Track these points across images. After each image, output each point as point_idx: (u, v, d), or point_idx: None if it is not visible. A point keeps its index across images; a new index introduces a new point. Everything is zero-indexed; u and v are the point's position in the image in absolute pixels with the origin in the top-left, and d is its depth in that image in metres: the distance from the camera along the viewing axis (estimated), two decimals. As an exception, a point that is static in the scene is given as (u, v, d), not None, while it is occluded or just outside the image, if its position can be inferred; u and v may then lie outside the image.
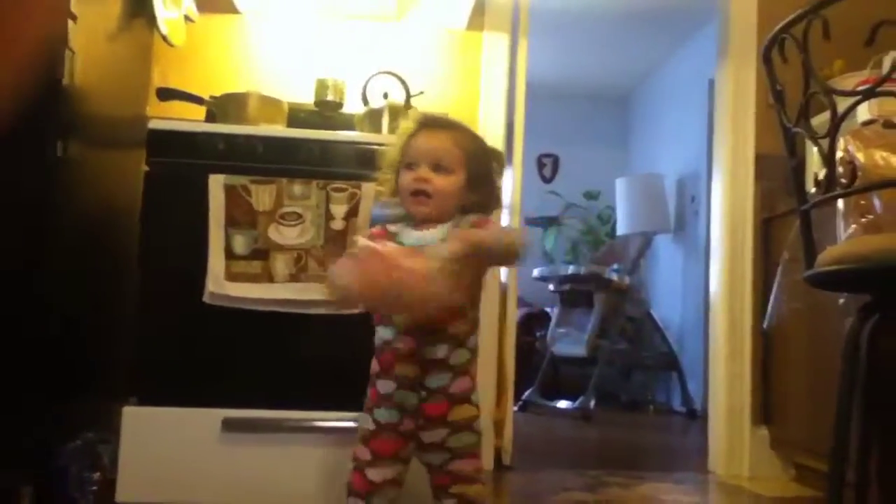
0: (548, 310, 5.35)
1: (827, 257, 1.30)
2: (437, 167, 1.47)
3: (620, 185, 5.58)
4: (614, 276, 4.79)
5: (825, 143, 1.22)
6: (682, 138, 5.49)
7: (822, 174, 1.26)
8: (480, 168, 1.53)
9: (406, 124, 1.56)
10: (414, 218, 1.50)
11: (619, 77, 6.24)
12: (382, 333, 1.46)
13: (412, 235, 1.49)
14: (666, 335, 4.98)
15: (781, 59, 1.29)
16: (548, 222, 6.24)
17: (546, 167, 6.63)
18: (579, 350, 4.69)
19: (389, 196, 1.56)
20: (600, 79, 6.25)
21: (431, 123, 1.54)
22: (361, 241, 1.40)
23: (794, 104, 1.35)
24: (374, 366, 1.47)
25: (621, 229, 5.51)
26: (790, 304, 2.44)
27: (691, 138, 5.29)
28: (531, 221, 6.03)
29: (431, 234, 1.47)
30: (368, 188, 1.99)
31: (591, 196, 6.24)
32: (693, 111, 5.20)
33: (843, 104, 1.27)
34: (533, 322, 5.41)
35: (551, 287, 5.08)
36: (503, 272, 2.76)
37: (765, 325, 2.70)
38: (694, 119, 5.19)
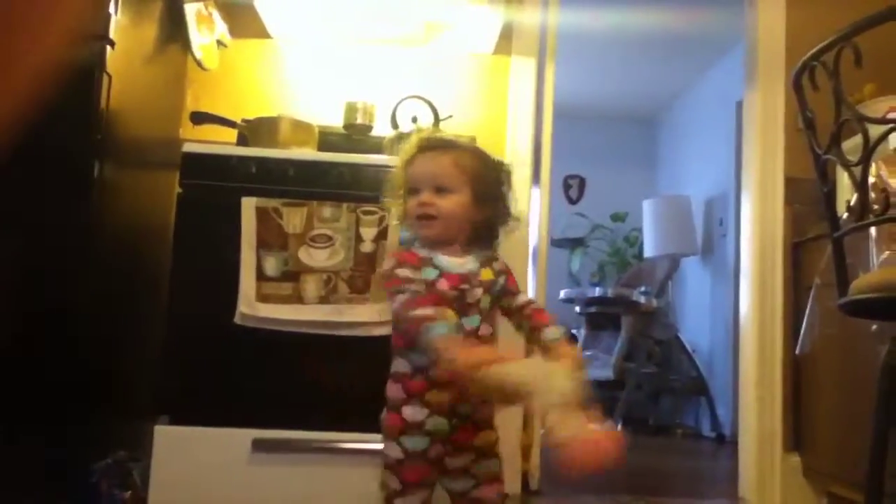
0: (574, 332, 5.33)
1: (861, 285, 1.29)
2: (440, 189, 1.46)
3: (647, 207, 5.56)
4: (642, 299, 4.76)
5: (857, 169, 1.22)
6: (710, 160, 5.47)
7: (854, 200, 1.26)
8: (486, 183, 1.53)
9: (407, 148, 1.55)
10: (426, 240, 1.49)
11: (646, 99, 6.24)
12: (416, 361, 1.41)
13: (448, 263, 1.47)
14: (694, 358, 4.93)
15: (812, 86, 1.29)
16: (574, 244, 6.23)
17: (572, 188, 6.63)
18: (606, 373, 4.66)
19: (401, 221, 1.56)
20: (627, 101, 6.25)
21: (429, 146, 1.53)
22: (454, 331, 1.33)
23: (824, 130, 1.35)
24: (397, 391, 1.42)
25: (648, 251, 5.48)
26: (823, 330, 2.41)
27: (719, 160, 5.26)
28: (557, 243, 6.02)
29: (466, 262, 1.47)
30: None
31: (617, 218, 6.22)
32: (720, 133, 5.18)
33: (875, 130, 1.26)
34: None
35: (578, 309, 5.06)
36: (530, 293, 2.76)
37: (797, 351, 2.67)
38: (721, 141, 5.17)
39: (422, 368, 1.40)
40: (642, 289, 4.89)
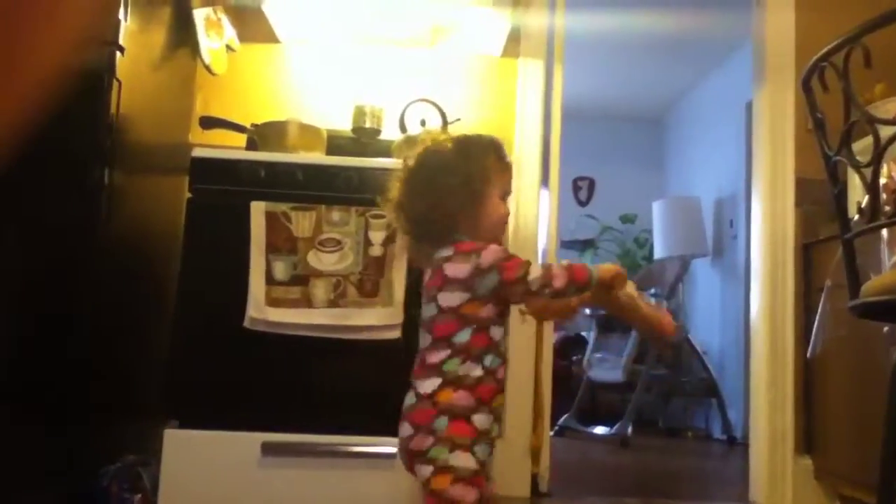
0: (584, 334, 5.31)
1: (873, 287, 1.28)
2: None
3: (657, 209, 5.54)
4: (652, 301, 4.75)
5: (868, 171, 1.21)
6: (720, 161, 5.45)
7: (865, 202, 1.25)
8: None
9: (490, 151, 1.50)
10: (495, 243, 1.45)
11: (654, 99, 6.23)
12: (488, 363, 1.36)
13: None
14: (705, 360, 4.91)
15: (822, 87, 1.28)
16: (584, 245, 6.22)
17: (582, 190, 6.62)
18: (616, 375, 4.65)
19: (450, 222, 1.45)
20: (636, 101, 6.24)
21: (506, 155, 1.55)
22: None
23: (835, 131, 1.34)
24: (465, 398, 1.34)
25: (658, 253, 5.47)
26: (834, 332, 2.39)
27: (729, 161, 5.24)
28: (567, 244, 6.01)
29: None
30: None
31: (627, 219, 6.21)
32: (730, 134, 5.17)
33: (886, 131, 1.25)
34: (569, 346, 5.37)
35: (588, 311, 5.04)
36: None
37: (808, 354, 2.65)
38: (731, 142, 5.15)
39: (492, 371, 1.36)
40: (652, 290, 4.88)
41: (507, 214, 1.51)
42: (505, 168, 1.51)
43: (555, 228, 2.90)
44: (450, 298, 1.39)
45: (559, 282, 1.37)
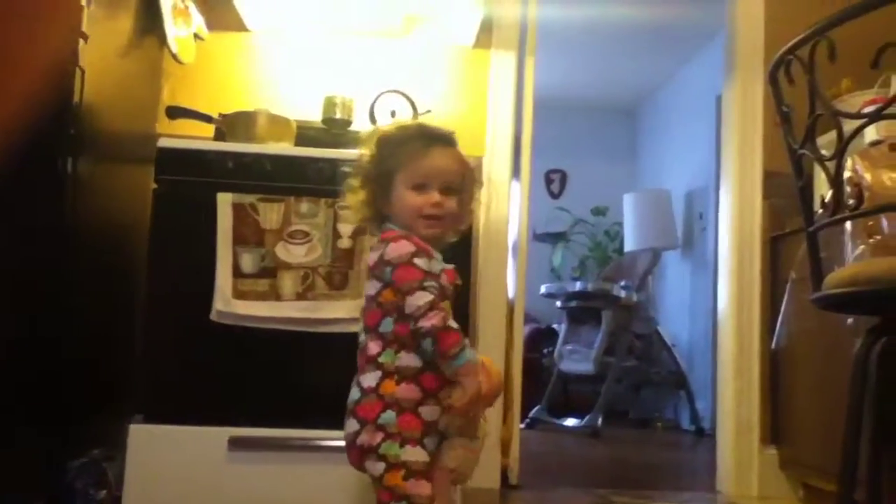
0: (555, 326, 5.34)
1: (835, 279, 1.29)
2: (447, 189, 1.42)
3: (628, 201, 5.58)
4: (622, 293, 4.78)
5: (832, 164, 1.22)
6: (691, 153, 5.50)
7: (829, 195, 1.26)
8: (472, 188, 1.52)
9: (400, 133, 1.47)
10: (423, 239, 1.41)
11: (626, 91, 6.26)
12: (427, 354, 1.32)
13: (439, 256, 1.44)
14: (674, 352, 4.96)
15: (788, 80, 1.29)
16: (556, 238, 6.24)
17: (554, 183, 6.64)
18: (587, 367, 4.68)
19: (370, 214, 1.46)
20: (607, 93, 6.27)
21: (441, 139, 1.46)
22: (476, 356, 1.35)
23: (801, 124, 1.35)
24: (410, 391, 1.32)
25: (629, 245, 5.51)
26: (800, 324, 2.42)
27: (699, 153, 5.29)
28: (539, 237, 6.03)
29: (440, 256, 1.46)
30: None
31: (598, 212, 6.24)
32: (701, 125, 5.21)
33: (850, 125, 1.27)
34: (540, 339, 5.39)
35: (559, 304, 5.07)
36: (511, 288, 2.76)
37: (773, 345, 2.69)
38: (702, 133, 5.20)
39: (432, 362, 1.33)
40: (622, 283, 4.91)
41: (424, 205, 1.40)
42: (424, 156, 1.41)
43: (526, 222, 2.90)
44: (369, 287, 1.40)
45: (427, 323, 1.28)
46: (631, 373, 4.92)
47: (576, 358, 4.80)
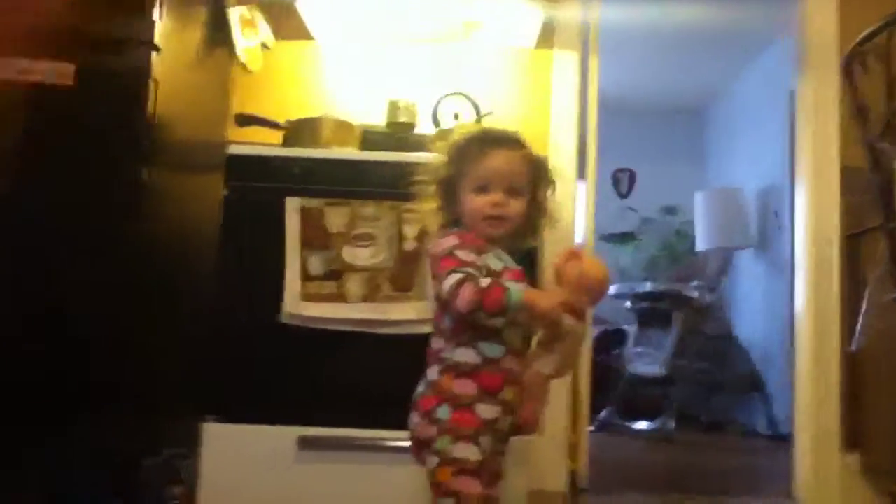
0: (625, 328, 5.25)
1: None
2: (511, 190, 1.43)
3: (699, 200, 5.45)
4: (694, 294, 4.67)
5: (911, 158, 1.16)
6: (763, 150, 5.33)
7: (908, 190, 1.20)
8: (543, 188, 1.51)
9: (464, 140, 1.49)
10: (488, 239, 1.43)
11: (692, 89, 6.11)
12: (486, 351, 1.35)
13: (505, 257, 1.45)
14: (748, 355, 4.82)
15: (863, 70, 1.24)
16: (624, 238, 6.14)
17: (622, 182, 6.54)
18: (657, 369, 4.59)
19: (445, 219, 1.47)
20: (675, 92, 6.14)
21: (497, 141, 1.47)
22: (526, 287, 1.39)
23: (879, 118, 1.30)
24: (467, 387, 1.33)
25: (700, 245, 5.37)
26: (880, 324, 2.32)
27: (771, 150, 5.12)
28: (608, 237, 5.94)
29: (507, 257, 1.46)
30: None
31: (669, 211, 6.11)
32: (772, 123, 5.05)
33: (931, 116, 1.21)
34: (610, 340, 5.31)
35: (628, 304, 4.99)
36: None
37: (853, 347, 2.58)
38: (774, 131, 5.03)
39: (493, 360, 1.34)
40: (694, 283, 4.80)
41: (485, 206, 1.41)
42: (483, 159, 1.43)
43: (591, 221, 2.87)
44: (433, 286, 1.46)
45: (463, 302, 1.29)
46: (703, 375, 4.80)
47: (646, 360, 4.71)
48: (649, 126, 6.36)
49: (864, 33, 1.20)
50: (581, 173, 2.82)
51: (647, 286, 4.93)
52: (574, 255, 1.41)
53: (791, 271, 3.44)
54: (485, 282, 1.31)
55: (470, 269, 1.33)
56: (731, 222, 5.20)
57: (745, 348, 4.83)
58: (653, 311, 4.81)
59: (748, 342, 4.96)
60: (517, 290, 1.31)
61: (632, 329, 4.97)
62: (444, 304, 1.37)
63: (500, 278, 1.37)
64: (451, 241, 1.38)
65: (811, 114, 2.80)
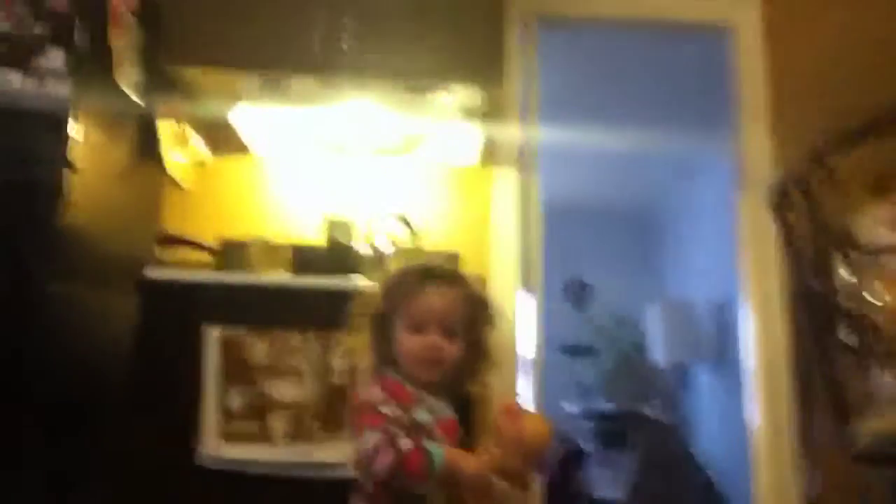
0: (582, 447, 5.08)
1: (872, 429, 1.13)
2: (448, 331, 1.31)
3: (653, 313, 5.39)
4: (652, 413, 4.57)
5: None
6: (714, 262, 5.34)
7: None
8: (481, 329, 1.39)
9: (401, 275, 1.38)
10: (418, 383, 1.31)
11: (640, 198, 6.20)
12: None
13: (436, 405, 1.31)
14: (707, 474, 4.68)
15: (788, 209, 1.18)
16: (583, 351, 6.02)
17: (575, 293, 6.46)
18: (618, 493, 4.41)
19: (377, 359, 1.34)
20: (626, 200, 6.22)
21: (440, 278, 1.36)
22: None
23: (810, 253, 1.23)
24: None
25: (657, 359, 5.28)
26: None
27: (723, 263, 5.13)
28: (566, 349, 5.81)
29: (444, 405, 1.33)
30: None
31: (623, 323, 6.03)
32: (721, 235, 5.07)
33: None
34: (570, 461, 5.12)
35: (586, 424, 4.86)
36: (528, 405, 2.57)
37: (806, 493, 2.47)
38: (724, 243, 5.05)
39: None
40: (652, 401, 4.70)
41: (421, 348, 1.29)
42: (419, 296, 1.32)
43: (539, 333, 2.76)
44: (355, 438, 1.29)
45: (381, 466, 1.17)
46: (661, 499, 4.63)
47: (606, 482, 4.54)
48: (600, 235, 6.39)
49: (785, 174, 1.15)
50: (526, 285, 2.73)
51: (606, 407, 4.81)
52: (512, 411, 1.28)
53: (747, 387, 3.37)
54: (406, 444, 1.18)
55: (393, 428, 1.20)
56: (686, 335, 5.14)
57: (703, 468, 4.70)
58: (612, 432, 4.68)
59: (709, 458, 4.82)
60: (439, 453, 1.19)
61: (592, 450, 4.81)
62: (362, 466, 1.23)
63: (431, 434, 1.24)
64: (376, 393, 1.26)
65: (749, 237, 2.80)
